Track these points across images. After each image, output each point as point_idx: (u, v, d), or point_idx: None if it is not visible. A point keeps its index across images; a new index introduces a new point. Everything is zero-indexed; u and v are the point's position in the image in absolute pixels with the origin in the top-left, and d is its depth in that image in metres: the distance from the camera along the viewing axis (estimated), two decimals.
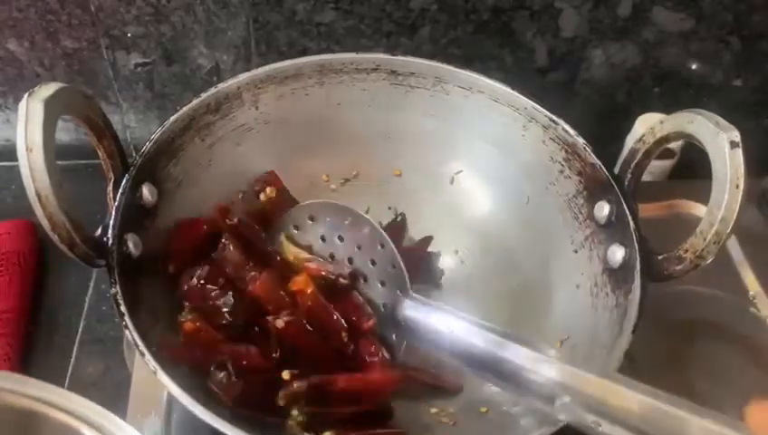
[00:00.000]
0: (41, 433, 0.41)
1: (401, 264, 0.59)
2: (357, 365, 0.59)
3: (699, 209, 0.81)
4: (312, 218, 0.64)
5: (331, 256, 0.63)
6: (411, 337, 0.60)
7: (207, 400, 0.50)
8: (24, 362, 0.68)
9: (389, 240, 0.60)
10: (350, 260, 0.63)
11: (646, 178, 0.61)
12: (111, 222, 0.55)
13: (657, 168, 0.84)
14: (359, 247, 0.62)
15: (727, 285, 0.77)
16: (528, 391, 0.50)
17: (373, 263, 0.62)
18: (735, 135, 0.50)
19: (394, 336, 0.60)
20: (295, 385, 0.54)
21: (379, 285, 0.61)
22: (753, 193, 0.82)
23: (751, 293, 0.77)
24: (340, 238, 0.63)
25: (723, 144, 0.50)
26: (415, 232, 0.73)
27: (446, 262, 0.72)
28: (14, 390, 0.41)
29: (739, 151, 0.50)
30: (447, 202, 0.73)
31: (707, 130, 0.52)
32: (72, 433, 0.41)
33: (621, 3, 0.77)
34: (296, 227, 0.65)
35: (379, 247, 0.61)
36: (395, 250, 0.60)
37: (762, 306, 0.75)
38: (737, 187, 0.50)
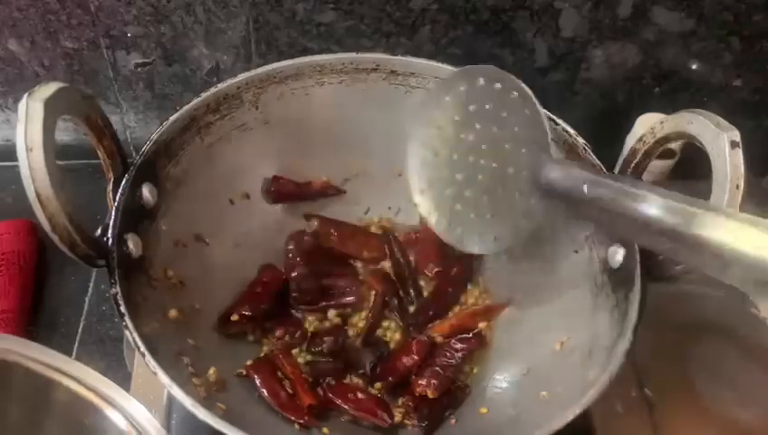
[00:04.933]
0: (52, 398, 0.44)
1: (544, 124, 0.56)
2: None
3: None
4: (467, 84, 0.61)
5: (482, 126, 0.60)
6: (552, 197, 0.56)
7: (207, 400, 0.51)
8: None
9: (536, 102, 0.57)
10: (496, 128, 0.60)
11: (646, 177, 0.61)
12: (111, 222, 0.54)
13: (657, 167, 0.84)
14: (506, 112, 0.59)
15: (727, 285, 0.76)
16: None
17: (519, 126, 0.58)
18: (736, 135, 0.50)
19: (532, 201, 0.57)
20: None
21: (523, 150, 0.58)
22: (753, 193, 0.82)
23: None
24: (489, 106, 0.60)
25: (723, 144, 0.50)
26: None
27: None
28: (29, 356, 0.44)
29: (739, 151, 0.50)
30: None
31: (708, 130, 0.52)
32: (81, 401, 0.43)
33: (621, 3, 0.77)
34: (446, 93, 0.62)
35: (527, 111, 0.57)
36: (540, 112, 0.57)
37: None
38: (737, 187, 0.50)
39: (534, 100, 0.57)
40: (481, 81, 0.60)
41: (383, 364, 0.65)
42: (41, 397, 0.45)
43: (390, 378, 0.63)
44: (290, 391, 0.61)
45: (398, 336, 0.68)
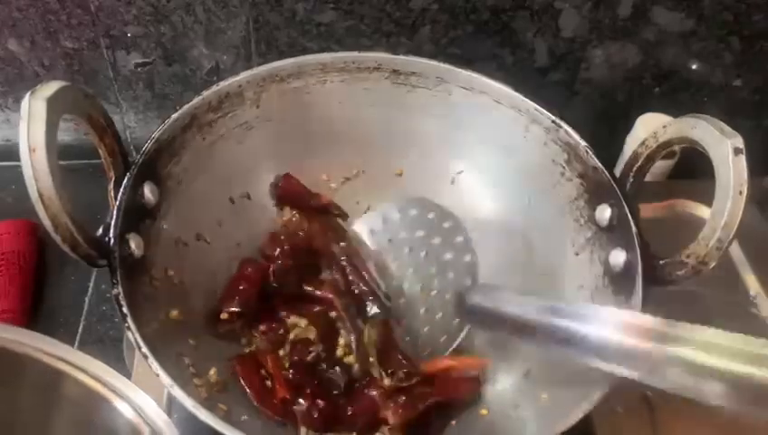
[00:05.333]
0: (62, 390, 0.45)
1: (476, 254, 0.65)
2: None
3: (699, 209, 0.81)
4: (400, 211, 0.69)
5: (410, 250, 0.67)
6: (479, 323, 0.63)
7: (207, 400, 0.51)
8: None
9: (467, 231, 0.66)
10: (427, 254, 0.67)
11: (645, 177, 0.61)
12: (113, 222, 0.54)
13: (657, 167, 0.84)
14: (437, 240, 0.66)
15: (727, 285, 0.77)
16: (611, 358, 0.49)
17: (450, 253, 0.66)
18: (739, 141, 0.50)
19: (455, 322, 0.64)
20: None
21: (451, 275, 0.64)
22: (753, 193, 0.82)
23: (751, 293, 0.77)
24: (419, 230, 0.67)
25: (726, 151, 0.50)
26: None
27: None
28: (40, 348, 0.46)
29: (743, 158, 0.50)
30: (448, 202, 0.72)
31: (711, 135, 0.52)
32: (91, 393, 0.45)
33: (621, 3, 0.77)
34: (385, 221, 0.69)
35: (460, 238, 0.66)
36: (470, 240, 0.66)
37: (762, 307, 0.76)
38: (740, 193, 0.50)
39: (464, 229, 0.65)
40: (413, 211, 0.67)
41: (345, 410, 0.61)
42: (51, 389, 0.46)
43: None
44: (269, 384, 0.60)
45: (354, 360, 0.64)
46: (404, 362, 0.61)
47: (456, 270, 0.66)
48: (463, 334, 0.64)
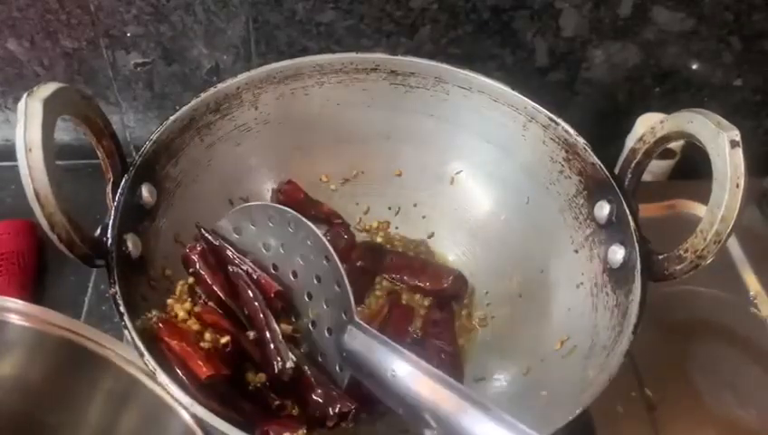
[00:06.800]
0: (133, 394, 0.51)
1: (347, 283, 0.54)
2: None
3: (699, 209, 0.81)
4: (253, 223, 0.61)
5: (274, 267, 0.60)
6: (356, 370, 0.54)
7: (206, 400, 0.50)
8: None
9: (334, 253, 0.54)
10: (295, 274, 0.58)
11: (646, 177, 0.61)
12: (111, 222, 0.54)
13: (657, 168, 0.84)
14: (302, 260, 0.58)
15: (727, 285, 0.77)
16: None
17: (318, 279, 0.57)
18: (736, 134, 0.50)
19: (338, 368, 0.55)
20: None
21: (324, 306, 0.56)
22: (753, 193, 0.82)
23: (751, 293, 0.77)
24: (284, 247, 0.59)
25: (723, 143, 0.50)
26: (415, 233, 0.74)
27: (447, 262, 0.72)
28: (121, 354, 0.51)
29: (739, 151, 0.50)
30: (448, 202, 0.73)
31: (708, 129, 0.52)
32: (157, 399, 0.50)
33: (622, 2, 0.77)
34: (237, 231, 0.62)
35: (324, 262, 0.55)
36: (340, 266, 0.54)
37: (762, 306, 0.75)
38: (738, 186, 0.50)
39: (330, 250, 0.54)
40: (271, 223, 0.59)
41: None
42: (124, 391, 0.51)
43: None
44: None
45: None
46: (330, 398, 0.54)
47: (329, 301, 0.56)
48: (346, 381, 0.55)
